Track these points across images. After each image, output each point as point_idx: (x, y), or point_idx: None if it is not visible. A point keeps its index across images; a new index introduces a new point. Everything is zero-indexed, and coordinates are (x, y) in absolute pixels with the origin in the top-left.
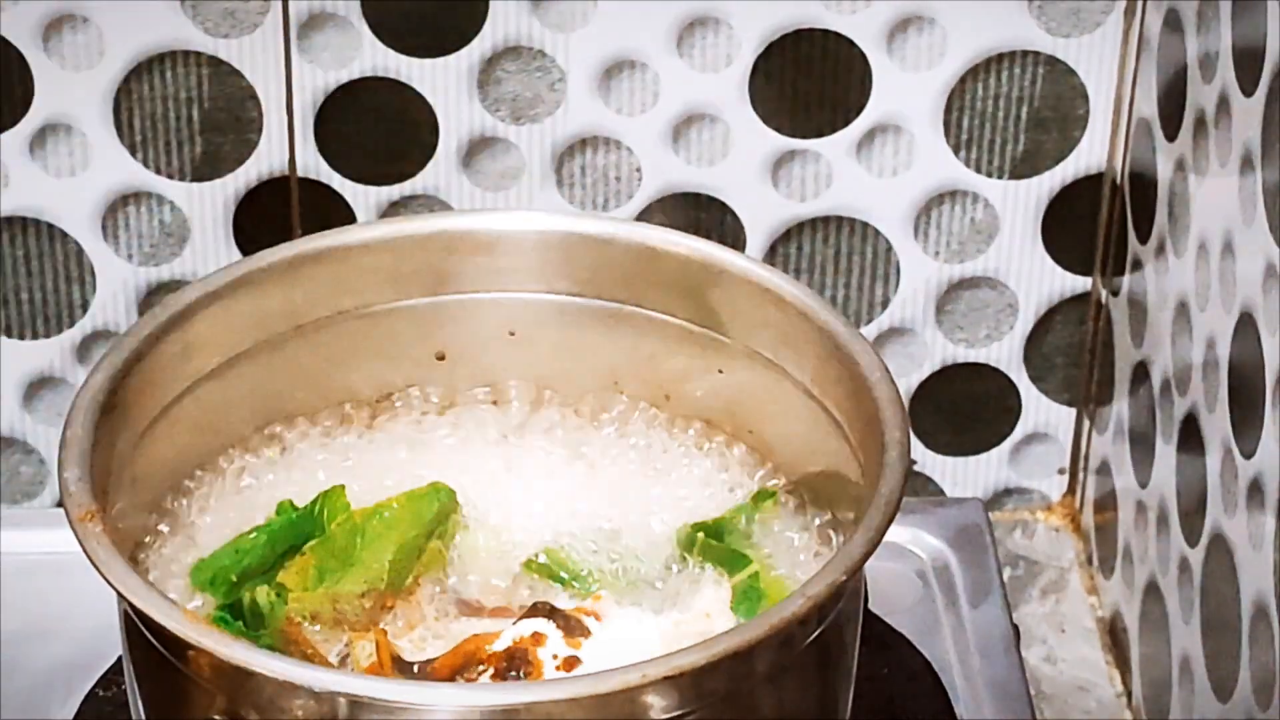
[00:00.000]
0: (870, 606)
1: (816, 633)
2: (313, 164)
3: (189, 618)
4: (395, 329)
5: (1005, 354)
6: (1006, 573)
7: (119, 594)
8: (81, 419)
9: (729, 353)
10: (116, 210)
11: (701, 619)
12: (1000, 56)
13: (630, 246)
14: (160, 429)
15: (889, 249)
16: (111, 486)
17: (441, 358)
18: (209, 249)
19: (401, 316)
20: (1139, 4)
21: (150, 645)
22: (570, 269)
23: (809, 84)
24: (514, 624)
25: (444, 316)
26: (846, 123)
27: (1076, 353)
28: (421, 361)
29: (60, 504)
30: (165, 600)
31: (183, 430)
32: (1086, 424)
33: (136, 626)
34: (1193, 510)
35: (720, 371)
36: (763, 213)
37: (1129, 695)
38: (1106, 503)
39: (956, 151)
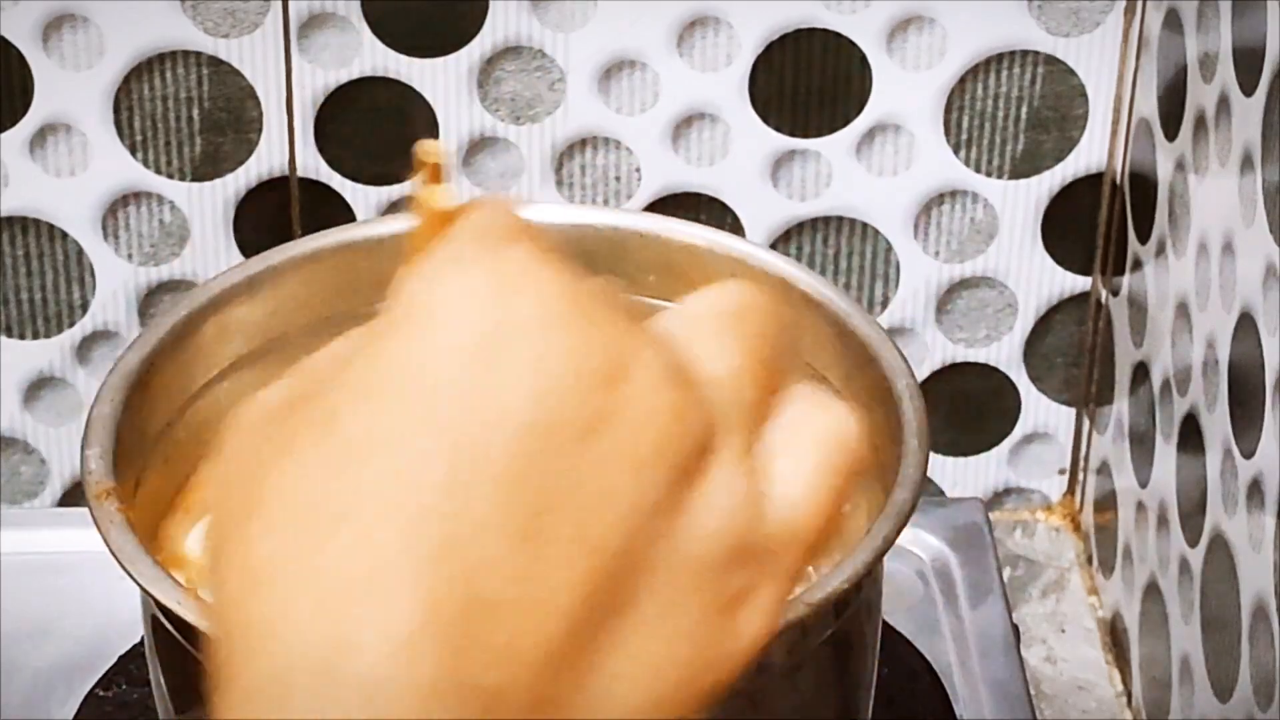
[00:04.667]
0: None
1: (832, 629)
2: (313, 164)
3: (194, 600)
4: None
5: (1005, 354)
6: (1006, 573)
7: (130, 576)
8: (111, 396)
9: None
10: (116, 210)
11: None
12: (1000, 56)
13: (653, 240)
14: (196, 410)
15: (889, 249)
16: (141, 466)
17: None
18: (209, 249)
19: None
20: (1139, 4)
21: (163, 626)
22: (593, 262)
23: (809, 84)
24: None
25: None
26: (846, 123)
27: (1076, 353)
28: None
29: (61, 503)
30: (175, 585)
31: (219, 413)
32: (1086, 424)
33: (154, 603)
34: (1193, 510)
35: None
36: (763, 213)
37: (1129, 695)
38: (1106, 503)
39: (956, 151)
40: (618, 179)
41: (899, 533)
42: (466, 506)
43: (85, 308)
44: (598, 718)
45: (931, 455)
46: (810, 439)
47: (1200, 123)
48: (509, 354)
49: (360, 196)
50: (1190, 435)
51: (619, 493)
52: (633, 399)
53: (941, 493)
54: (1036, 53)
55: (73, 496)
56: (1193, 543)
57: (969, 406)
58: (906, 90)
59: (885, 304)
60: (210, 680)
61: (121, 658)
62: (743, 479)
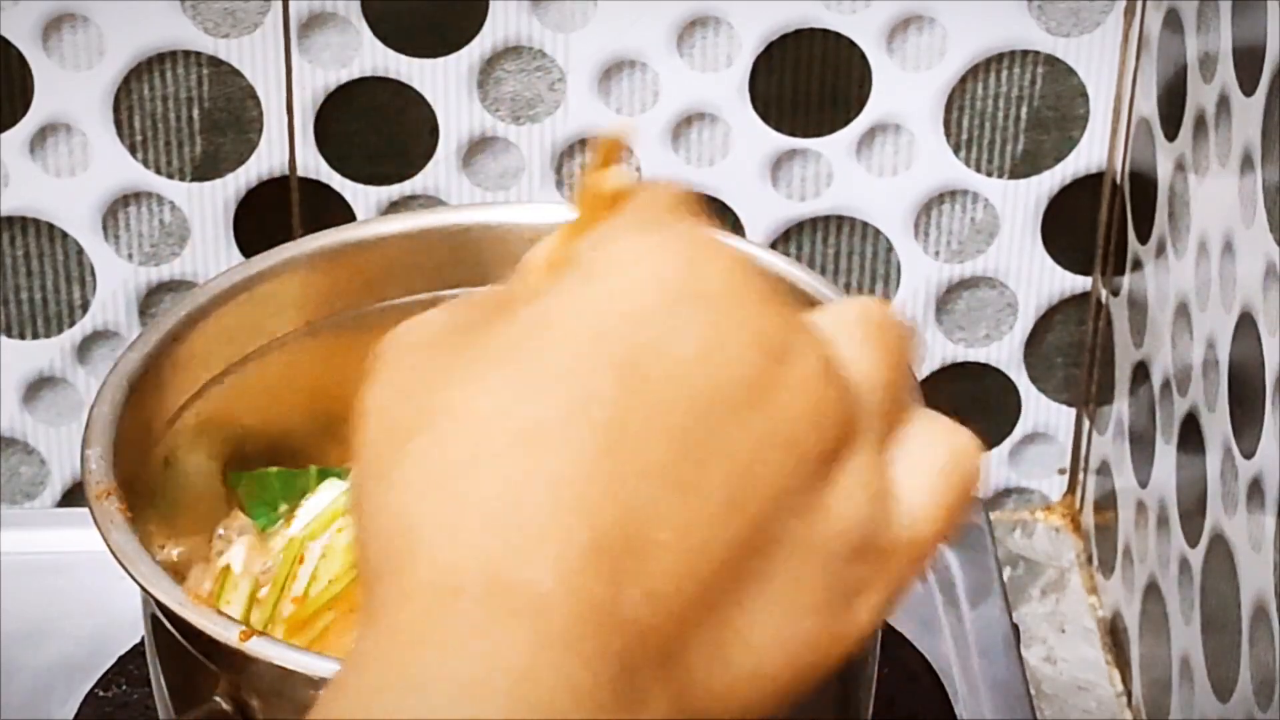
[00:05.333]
0: None
1: None
2: (313, 164)
3: (194, 600)
4: None
5: (1005, 354)
6: (1006, 573)
7: (131, 576)
8: (111, 396)
9: None
10: (116, 210)
11: None
12: (1000, 56)
13: None
14: (196, 410)
15: (889, 249)
16: (141, 465)
17: None
18: (209, 249)
19: None
20: (1139, 4)
21: (163, 626)
22: None
23: (809, 84)
24: None
25: None
26: (846, 122)
27: (1076, 353)
28: None
29: (61, 503)
30: (175, 585)
31: (223, 410)
32: (1086, 424)
33: (155, 603)
34: (1193, 510)
35: None
36: (763, 213)
37: (1129, 695)
38: (1106, 503)
39: (956, 151)
40: None
41: None
42: (633, 448)
43: (85, 308)
44: (721, 678)
45: None
46: (934, 455)
47: (1200, 123)
48: (688, 312)
49: (360, 196)
50: (1190, 435)
51: (769, 464)
52: (791, 379)
53: None
54: (1036, 53)
55: (73, 496)
56: (1193, 543)
57: (969, 406)
58: (906, 90)
59: None
60: (368, 582)
61: (121, 658)
62: (875, 473)
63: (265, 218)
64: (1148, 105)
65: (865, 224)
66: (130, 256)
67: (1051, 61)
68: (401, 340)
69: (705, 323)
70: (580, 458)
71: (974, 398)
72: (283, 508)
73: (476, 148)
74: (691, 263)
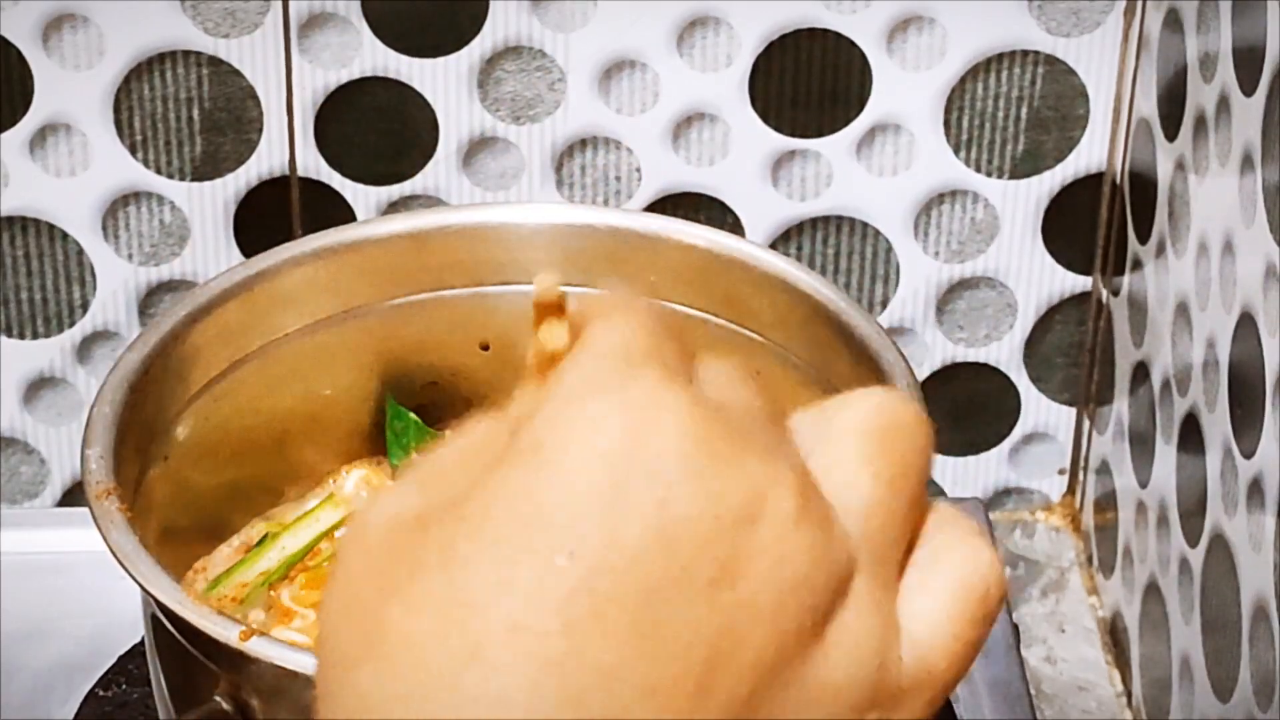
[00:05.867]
0: None
1: None
2: (313, 164)
3: (195, 600)
4: (439, 319)
5: (1005, 354)
6: (1006, 573)
7: (131, 576)
8: (111, 396)
9: (764, 353)
10: (116, 210)
11: None
12: (1000, 56)
13: (653, 240)
14: (196, 410)
15: (889, 249)
16: (141, 466)
17: (486, 348)
18: (209, 249)
19: (445, 306)
20: (1139, 4)
21: (163, 626)
22: (613, 264)
23: (809, 84)
24: None
25: (487, 307)
26: (846, 123)
27: (1076, 353)
28: (466, 351)
29: (61, 503)
30: (175, 585)
31: (223, 410)
32: (1086, 424)
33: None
34: (1193, 510)
35: (759, 373)
36: (763, 213)
37: (1129, 695)
38: (1106, 503)
39: (956, 151)
40: (618, 179)
41: None
42: (584, 656)
43: (85, 308)
44: None
45: None
46: (949, 579)
47: (1200, 123)
48: (636, 490)
49: (360, 196)
50: (1190, 435)
51: (747, 643)
52: (765, 544)
53: (942, 493)
54: (1036, 53)
55: (73, 496)
56: (1193, 543)
57: (969, 406)
58: (906, 90)
59: (885, 304)
60: None
61: (121, 658)
62: (878, 620)
63: (265, 218)
64: (1148, 105)
65: (865, 224)
66: (130, 256)
67: (1051, 61)
68: (361, 532)
69: (655, 501)
70: (524, 679)
71: (974, 398)
72: (415, 457)
73: (476, 148)
74: (636, 431)
